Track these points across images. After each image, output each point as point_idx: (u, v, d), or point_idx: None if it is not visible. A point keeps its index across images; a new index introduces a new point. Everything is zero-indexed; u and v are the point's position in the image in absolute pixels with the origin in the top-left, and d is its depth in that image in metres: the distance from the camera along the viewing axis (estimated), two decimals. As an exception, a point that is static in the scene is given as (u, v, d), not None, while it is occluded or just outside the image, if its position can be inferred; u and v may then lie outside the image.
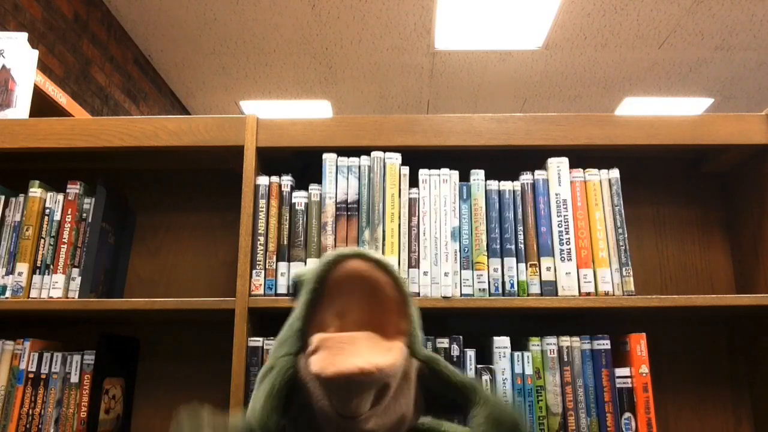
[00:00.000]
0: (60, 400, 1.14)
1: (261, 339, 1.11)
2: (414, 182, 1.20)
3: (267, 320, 1.20)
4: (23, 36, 1.48)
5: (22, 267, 1.19)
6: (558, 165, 1.19)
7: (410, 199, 1.19)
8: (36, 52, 1.50)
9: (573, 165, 1.20)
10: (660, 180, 1.38)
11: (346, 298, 0.62)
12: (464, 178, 1.20)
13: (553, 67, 4.13)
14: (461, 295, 1.14)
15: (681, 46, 3.86)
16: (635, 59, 4.03)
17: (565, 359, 1.10)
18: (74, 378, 1.15)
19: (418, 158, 1.24)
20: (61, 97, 1.84)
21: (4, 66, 1.45)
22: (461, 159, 1.29)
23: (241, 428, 0.62)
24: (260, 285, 1.15)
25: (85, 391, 1.14)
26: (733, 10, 3.48)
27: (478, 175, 1.20)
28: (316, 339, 0.60)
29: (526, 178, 1.19)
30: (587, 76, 4.26)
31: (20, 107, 1.44)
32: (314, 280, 0.63)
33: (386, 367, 0.56)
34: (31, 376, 1.14)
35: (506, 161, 1.29)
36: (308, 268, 0.84)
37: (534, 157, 1.24)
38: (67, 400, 1.14)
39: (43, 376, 1.14)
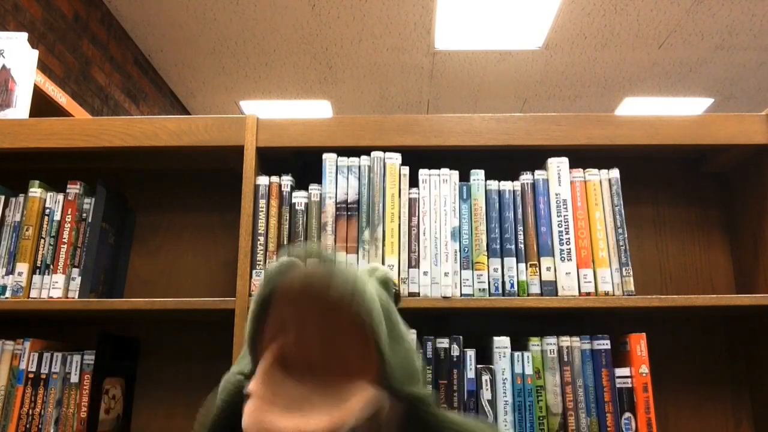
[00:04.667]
0: (60, 400, 1.14)
1: (261, 339, 1.11)
2: (414, 182, 1.20)
3: (267, 320, 1.20)
4: (23, 36, 1.48)
5: (22, 267, 1.19)
6: (558, 165, 1.19)
7: (410, 199, 1.19)
8: (36, 52, 1.50)
9: (573, 165, 1.20)
10: (660, 180, 1.38)
11: (295, 320, 0.50)
12: (464, 178, 1.20)
13: (553, 67, 4.13)
14: (461, 295, 1.14)
15: (681, 46, 3.86)
16: (635, 59, 4.03)
17: (565, 359, 1.10)
18: (74, 378, 1.15)
19: (418, 158, 1.24)
20: (61, 97, 1.84)
21: (4, 66, 1.45)
22: (461, 159, 1.29)
23: None
24: (260, 285, 1.15)
25: (85, 391, 1.14)
26: (733, 10, 3.48)
27: (478, 175, 1.20)
28: (253, 382, 0.49)
29: (526, 178, 1.19)
30: (587, 76, 4.26)
31: (20, 107, 1.44)
32: (257, 298, 0.50)
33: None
34: (31, 376, 1.14)
35: (506, 161, 1.29)
36: (269, 268, 0.59)
37: (534, 157, 1.24)
38: (67, 400, 1.14)
39: (43, 376, 1.14)
